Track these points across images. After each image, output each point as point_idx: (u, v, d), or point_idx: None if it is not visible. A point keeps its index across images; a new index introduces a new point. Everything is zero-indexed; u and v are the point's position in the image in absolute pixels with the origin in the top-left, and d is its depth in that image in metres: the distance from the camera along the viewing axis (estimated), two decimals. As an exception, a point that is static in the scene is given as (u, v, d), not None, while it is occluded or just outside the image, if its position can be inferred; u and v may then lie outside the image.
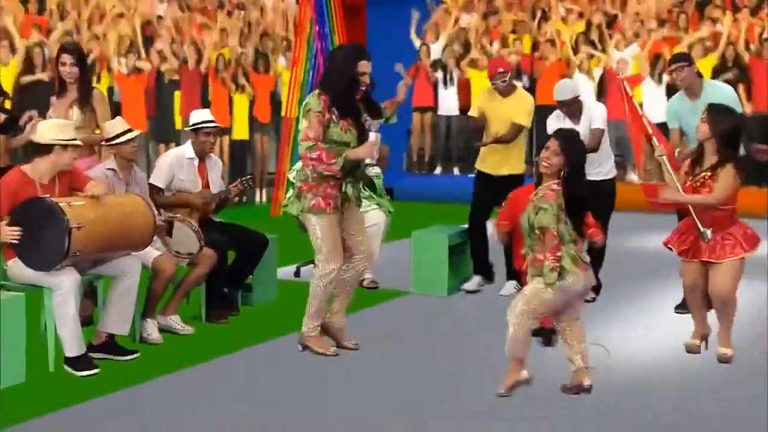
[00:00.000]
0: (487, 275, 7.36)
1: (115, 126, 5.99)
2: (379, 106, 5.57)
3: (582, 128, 6.47)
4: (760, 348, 5.68)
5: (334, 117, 5.32)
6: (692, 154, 5.70)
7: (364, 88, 5.39)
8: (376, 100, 5.57)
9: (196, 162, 6.54)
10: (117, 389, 4.92)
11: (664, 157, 5.80)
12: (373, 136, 5.35)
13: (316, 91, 5.45)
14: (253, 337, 5.97)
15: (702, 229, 5.37)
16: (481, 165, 7.26)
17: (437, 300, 7.07)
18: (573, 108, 6.73)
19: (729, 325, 5.50)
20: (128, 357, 5.45)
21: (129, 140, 5.95)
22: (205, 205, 6.46)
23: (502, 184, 6.76)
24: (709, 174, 5.37)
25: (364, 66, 5.37)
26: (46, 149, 5.24)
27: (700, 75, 6.50)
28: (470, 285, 7.32)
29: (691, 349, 5.61)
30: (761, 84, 12.23)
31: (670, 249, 5.60)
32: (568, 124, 6.80)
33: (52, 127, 5.32)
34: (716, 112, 5.43)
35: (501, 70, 7.05)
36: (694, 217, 5.41)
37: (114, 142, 5.95)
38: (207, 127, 6.50)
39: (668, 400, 4.79)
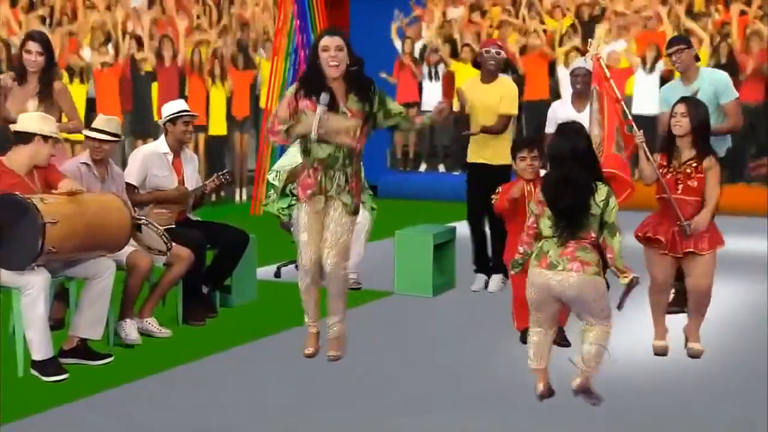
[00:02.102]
0: (487, 271, 7.29)
1: (101, 121, 5.82)
2: (369, 82, 5.27)
3: (585, 117, 6.34)
4: (759, 348, 5.62)
5: (306, 106, 5.16)
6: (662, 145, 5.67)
7: (336, 65, 5.12)
8: (368, 78, 5.30)
9: (170, 157, 6.40)
10: (90, 393, 4.79)
11: (644, 144, 5.66)
12: (319, 109, 5.07)
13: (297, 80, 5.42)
14: (231, 339, 5.84)
15: (684, 222, 5.34)
16: (473, 158, 7.15)
17: (422, 301, 6.94)
18: (583, 84, 6.69)
19: (700, 321, 5.53)
20: (101, 362, 5.29)
21: (95, 139, 5.75)
22: (181, 202, 6.32)
23: (494, 174, 6.66)
24: (694, 165, 5.38)
25: (326, 41, 5.18)
26: (25, 138, 5.17)
27: (697, 59, 6.43)
28: (476, 285, 7.24)
29: (660, 351, 5.56)
30: (749, 75, 12.29)
31: (639, 239, 5.56)
32: (571, 111, 6.71)
33: (35, 118, 5.28)
34: (693, 106, 5.43)
35: (499, 43, 7.18)
36: (677, 209, 5.38)
37: (88, 133, 5.80)
38: (185, 115, 6.37)
39: (667, 401, 4.72)
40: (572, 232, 4.49)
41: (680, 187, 5.41)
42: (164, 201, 6.29)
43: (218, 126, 12.69)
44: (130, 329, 5.68)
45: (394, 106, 5.38)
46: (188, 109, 6.46)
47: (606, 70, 5.92)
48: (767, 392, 4.78)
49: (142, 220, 5.60)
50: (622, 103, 5.81)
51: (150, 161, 6.33)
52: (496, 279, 7.18)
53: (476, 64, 7.32)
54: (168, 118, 6.38)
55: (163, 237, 5.56)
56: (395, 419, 4.48)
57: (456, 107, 7.03)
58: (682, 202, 5.40)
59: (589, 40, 9.01)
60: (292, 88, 5.32)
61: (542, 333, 4.67)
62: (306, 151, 5.29)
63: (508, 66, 7.47)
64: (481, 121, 6.99)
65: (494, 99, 6.97)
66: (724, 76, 6.40)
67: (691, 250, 5.39)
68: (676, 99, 5.76)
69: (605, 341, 4.57)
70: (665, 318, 5.63)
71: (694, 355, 5.48)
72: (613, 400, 4.63)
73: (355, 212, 5.34)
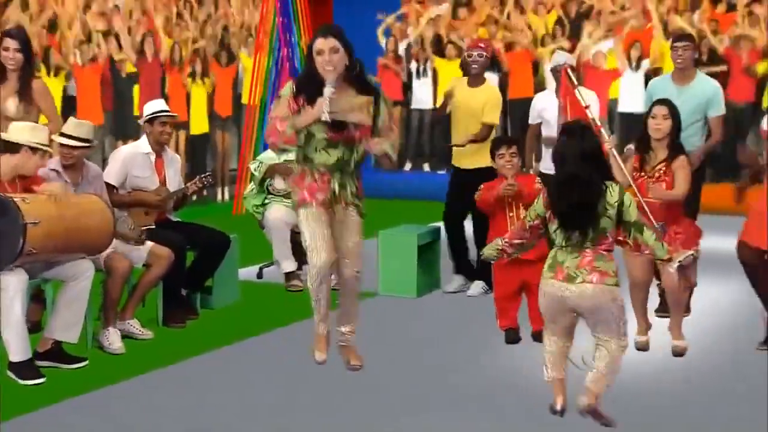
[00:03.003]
0: (469, 274, 7.13)
1: (72, 126, 5.64)
2: (373, 87, 5.03)
3: None
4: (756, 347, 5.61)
5: (303, 105, 4.90)
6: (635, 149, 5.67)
7: (331, 69, 4.80)
8: (370, 81, 5.07)
9: (153, 157, 6.29)
10: (69, 396, 4.72)
11: (614, 149, 5.59)
12: (327, 91, 4.74)
13: (292, 80, 5.17)
14: (213, 341, 5.75)
15: (656, 224, 5.31)
16: (456, 162, 7.10)
17: (406, 302, 6.86)
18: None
19: (680, 318, 5.53)
20: (75, 365, 5.19)
21: (66, 145, 5.58)
22: (161, 203, 6.23)
23: (475, 176, 6.52)
24: (663, 168, 5.43)
25: (319, 44, 4.86)
26: (13, 148, 5.06)
27: (695, 63, 6.38)
28: (451, 286, 7.11)
29: (641, 347, 5.56)
30: (737, 73, 12.22)
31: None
32: (554, 101, 6.62)
33: (26, 128, 5.15)
34: (675, 111, 5.47)
35: (482, 45, 7.07)
36: (647, 212, 5.33)
37: (58, 139, 5.61)
38: (163, 116, 6.25)
39: (664, 401, 4.70)
40: (584, 236, 4.18)
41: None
42: (143, 205, 6.20)
43: (199, 124, 12.55)
44: (114, 338, 5.57)
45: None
46: (167, 109, 6.34)
47: (574, 81, 5.90)
48: (766, 392, 4.76)
49: (122, 217, 5.50)
50: (590, 110, 5.79)
51: (131, 161, 6.22)
52: (477, 285, 7.03)
53: (464, 68, 7.27)
54: (145, 118, 6.28)
55: (133, 230, 5.46)
56: (384, 420, 4.44)
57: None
58: (652, 205, 5.37)
59: (555, 49, 8.94)
60: (287, 90, 5.00)
61: (557, 343, 4.38)
62: (307, 158, 4.95)
63: (494, 64, 7.40)
64: (464, 124, 6.91)
65: (478, 105, 6.89)
66: (716, 86, 6.30)
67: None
68: (666, 96, 5.72)
69: (620, 358, 4.31)
70: (646, 312, 5.68)
71: (678, 353, 5.44)
72: (611, 401, 4.52)
73: (362, 213, 5.14)
